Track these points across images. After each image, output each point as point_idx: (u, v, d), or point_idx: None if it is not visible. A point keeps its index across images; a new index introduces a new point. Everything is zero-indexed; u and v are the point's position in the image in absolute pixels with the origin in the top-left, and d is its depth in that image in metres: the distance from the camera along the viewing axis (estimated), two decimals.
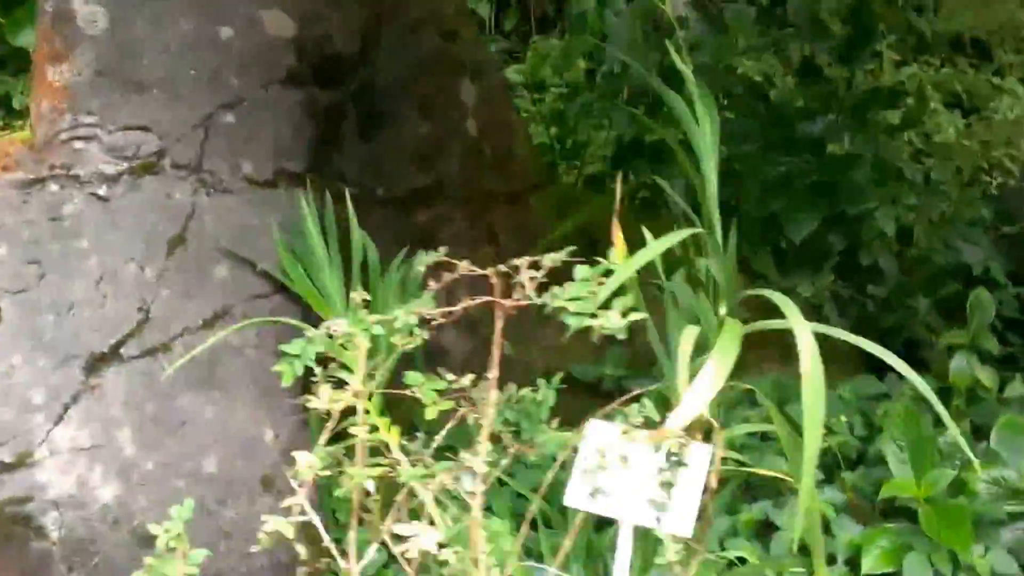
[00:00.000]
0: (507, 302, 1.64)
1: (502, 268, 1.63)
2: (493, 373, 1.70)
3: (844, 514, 2.62)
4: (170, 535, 1.70)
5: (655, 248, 1.86)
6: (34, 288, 2.41)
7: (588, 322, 1.58)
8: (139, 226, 2.51)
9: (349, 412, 2.20)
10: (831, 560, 2.54)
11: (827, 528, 2.58)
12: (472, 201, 3.30)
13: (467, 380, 1.71)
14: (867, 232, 3.98)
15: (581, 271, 1.64)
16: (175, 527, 1.71)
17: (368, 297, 1.76)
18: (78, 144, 2.56)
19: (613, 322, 1.55)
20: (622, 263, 1.90)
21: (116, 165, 2.54)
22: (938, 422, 2.29)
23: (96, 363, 2.37)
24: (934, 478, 2.52)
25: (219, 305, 2.53)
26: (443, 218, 3.21)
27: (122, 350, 2.39)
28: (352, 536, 1.79)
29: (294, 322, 2.47)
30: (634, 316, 1.59)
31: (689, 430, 1.79)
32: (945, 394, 2.84)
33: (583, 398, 2.66)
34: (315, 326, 1.78)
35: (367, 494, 1.74)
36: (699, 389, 1.68)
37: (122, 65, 2.59)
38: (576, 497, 1.85)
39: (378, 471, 1.69)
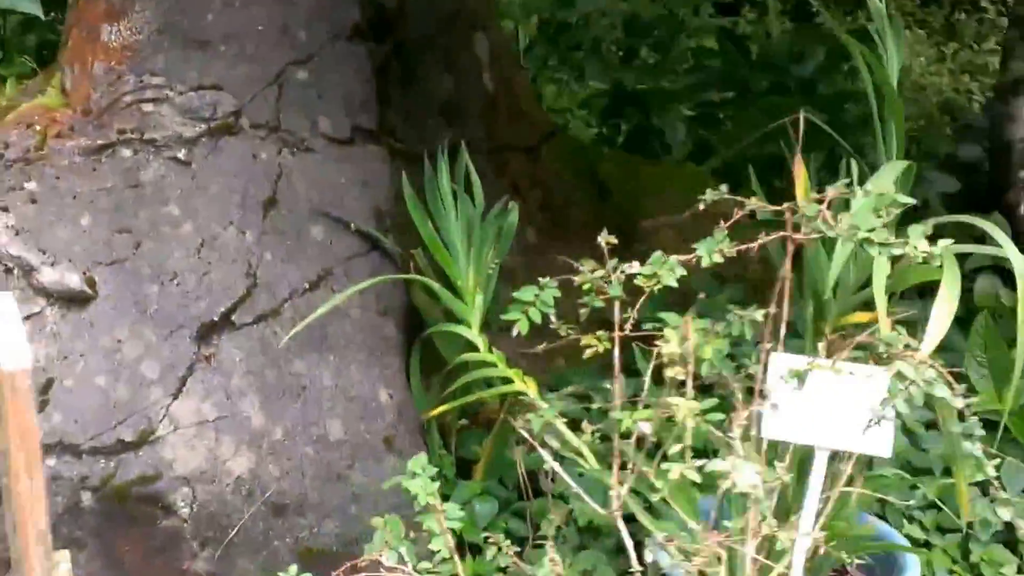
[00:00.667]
0: (798, 236, 1.63)
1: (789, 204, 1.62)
2: (784, 305, 1.68)
3: (932, 430, 2.73)
4: None
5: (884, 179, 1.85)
6: (131, 258, 2.25)
7: (902, 250, 1.58)
8: (229, 189, 2.37)
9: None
10: (927, 472, 2.65)
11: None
12: (494, 154, 3.27)
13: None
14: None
15: (862, 203, 1.64)
16: None
17: (614, 240, 1.70)
18: (147, 107, 2.41)
19: (922, 248, 1.55)
20: (803, 195, 1.94)
21: (193, 127, 2.40)
22: None
23: (207, 332, 2.24)
24: (1019, 388, 2.65)
25: (320, 267, 2.42)
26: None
27: (234, 317, 2.26)
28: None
29: (425, 279, 2.41)
30: (944, 242, 1.61)
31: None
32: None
33: None
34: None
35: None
36: (939, 318, 1.73)
37: (185, 22, 2.45)
38: (774, 429, 1.86)
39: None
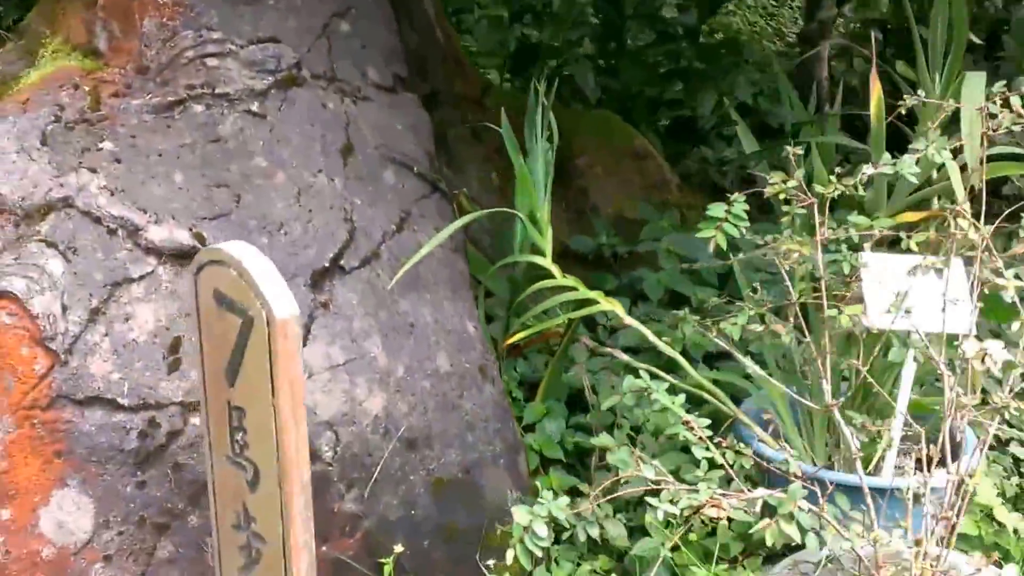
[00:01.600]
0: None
1: None
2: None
3: None
4: None
5: None
6: (234, 211, 2.23)
7: None
8: (309, 139, 2.38)
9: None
10: None
11: None
12: (456, 105, 3.41)
13: None
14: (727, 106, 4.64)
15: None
16: None
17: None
18: (212, 61, 2.37)
19: None
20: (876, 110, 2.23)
21: (262, 80, 2.39)
22: None
23: (320, 279, 2.26)
24: None
25: (399, 209, 2.48)
26: (446, 121, 3.28)
27: (342, 262, 2.29)
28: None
29: (516, 213, 2.50)
30: None
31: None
32: None
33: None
34: None
35: None
36: None
37: None
38: (875, 319, 2.15)
39: None
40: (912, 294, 2.12)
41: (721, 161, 5.00)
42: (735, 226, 2.00)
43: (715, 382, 2.51)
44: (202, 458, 2.03)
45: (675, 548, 2.39)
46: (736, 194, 2.01)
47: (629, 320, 2.48)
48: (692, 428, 1.80)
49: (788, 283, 2.22)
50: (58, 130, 2.26)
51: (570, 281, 2.52)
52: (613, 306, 2.48)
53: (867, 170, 1.98)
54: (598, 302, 2.50)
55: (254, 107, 2.36)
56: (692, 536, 2.40)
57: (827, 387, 2.01)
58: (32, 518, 1.97)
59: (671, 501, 1.65)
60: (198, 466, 2.05)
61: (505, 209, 2.56)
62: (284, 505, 1.57)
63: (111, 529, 2.01)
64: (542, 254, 2.56)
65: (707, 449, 1.77)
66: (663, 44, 4.79)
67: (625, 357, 2.57)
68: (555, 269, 2.55)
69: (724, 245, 2.00)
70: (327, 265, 2.27)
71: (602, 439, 1.95)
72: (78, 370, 2.00)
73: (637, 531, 2.45)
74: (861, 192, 2.14)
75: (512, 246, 2.81)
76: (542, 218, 2.55)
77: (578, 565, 2.44)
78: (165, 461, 2.04)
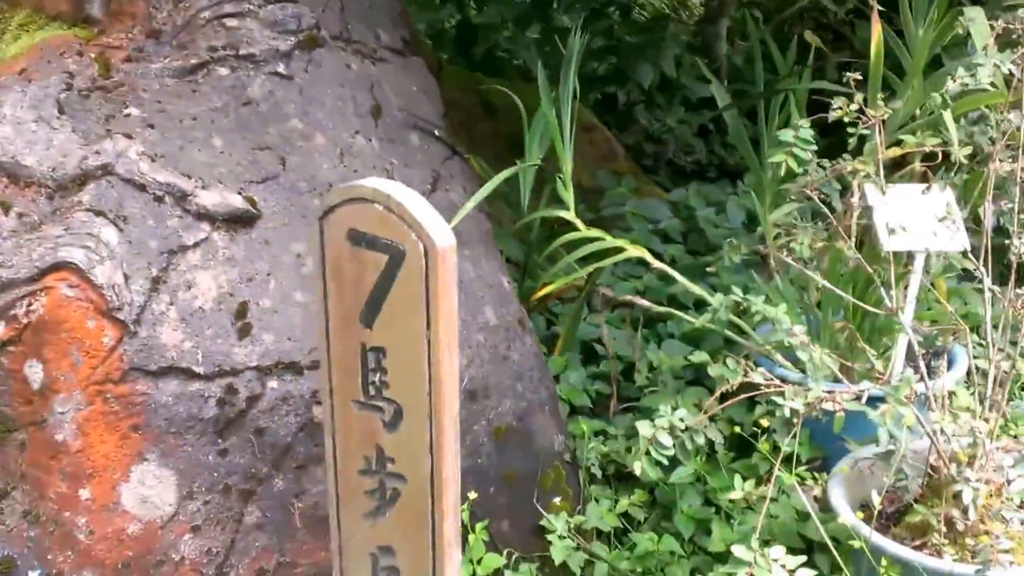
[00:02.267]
0: None
1: None
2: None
3: None
4: None
5: None
6: (281, 174, 2.18)
7: None
8: (341, 100, 2.35)
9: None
10: None
11: None
12: None
13: None
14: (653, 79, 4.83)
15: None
16: None
17: None
18: (231, 22, 2.30)
19: None
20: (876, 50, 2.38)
21: (285, 40, 2.33)
22: None
23: None
24: None
25: (430, 169, 2.47)
26: None
27: None
28: None
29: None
30: None
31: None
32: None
33: None
34: None
35: None
36: None
37: None
38: (887, 243, 2.31)
39: None
40: (914, 219, 2.29)
41: (657, 133, 5.17)
42: (803, 150, 2.10)
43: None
44: (283, 421, 2.00)
45: (700, 479, 2.50)
46: (802, 120, 2.12)
47: (657, 264, 2.55)
48: (794, 335, 1.90)
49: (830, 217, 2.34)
50: (73, 98, 2.16)
51: (595, 232, 2.58)
52: (640, 251, 2.55)
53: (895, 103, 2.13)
54: (623, 249, 2.57)
55: (280, 68, 2.30)
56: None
57: (848, 297, 2.15)
58: (113, 495, 1.88)
59: (787, 397, 1.73)
60: (280, 429, 2.00)
61: (536, 163, 2.59)
62: (434, 439, 1.56)
63: (196, 499, 1.94)
64: (566, 209, 2.60)
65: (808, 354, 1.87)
66: (596, 21, 4.90)
67: (646, 303, 2.66)
68: (579, 222, 2.60)
69: (796, 168, 2.10)
70: None
71: (717, 369, 1.99)
72: (148, 341, 1.92)
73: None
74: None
75: (520, 209, 2.85)
76: (566, 173, 2.59)
77: (615, 501, 2.50)
78: (246, 427, 1.98)
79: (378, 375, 1.61)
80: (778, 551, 1.67)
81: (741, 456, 2.53)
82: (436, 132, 2.56)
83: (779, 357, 2.53)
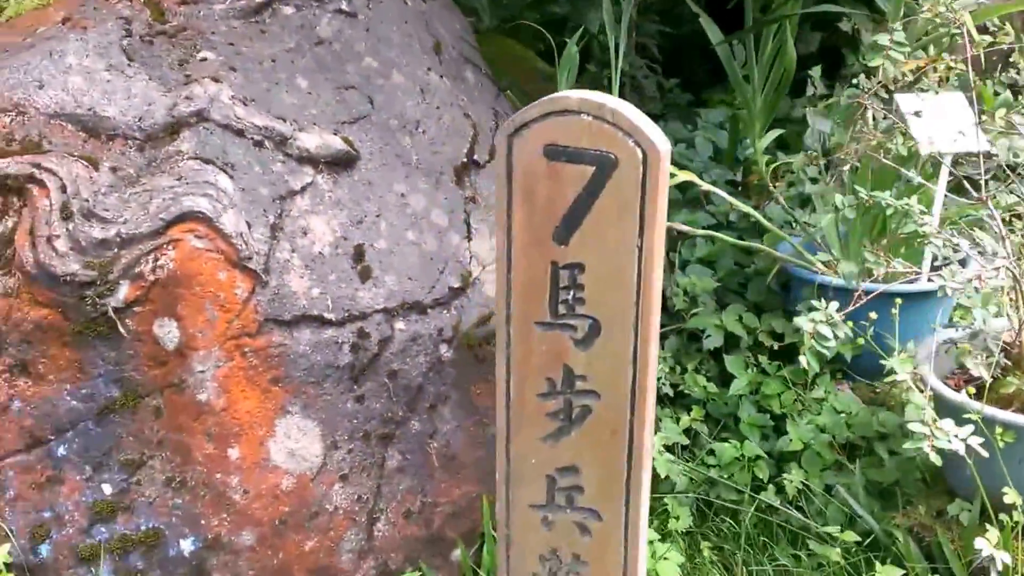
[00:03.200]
0: None
1: None
2: None
3: None
4: None
5: None
6: (371, 113, 2.11)
7: None
8: (407, 36, 2.28)
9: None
10: None
11: None
12: None
13: None
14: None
15: None
16: None
17: None
18: None
19: None
20: None
21: None
22: None
23: (461, 174, 2.19)
24: None
25: (488, 106, 2.43)
26: None
27: (476, 157, 2.23)
28: None
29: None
30: None
31: None
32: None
33: None
34: None
35: None
36: None
37: None
38: (924, 147, 2.44)
39: None
40: (939, 123, 2.43)
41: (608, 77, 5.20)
42: (899, 53, 2.19)
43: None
44: (414, 362, 1.96)
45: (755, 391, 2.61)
46: (895, 22, 2.20)
47: (705, 185, 2.61)
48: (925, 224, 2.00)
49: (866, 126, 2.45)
50: (136, 44, 2.03)
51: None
52: (689, 176, 2.60)
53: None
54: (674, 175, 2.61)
55: (344, 6, 2.22)
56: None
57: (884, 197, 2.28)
58: (262, 452, 1.81)
59: None
60: (412, 371, 1.96)
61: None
62: (639, 348, 1.57)
63: (340, 448, 1.88)
64: None
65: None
66: None
67: (684, 227, 2.72)
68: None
69: (891, 73, 2.19)
70: (465, 161, 2.21)
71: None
72: (279, 290, 1.84)
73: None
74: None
75: None
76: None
77: (677, 420, 2.58)
78: (379, 371, 1.93)
79: (571, 292, 1.60)
80: (947, 423, 1.77)
81: (786, 366, 2.64)
82: (483, 69, 2.53)
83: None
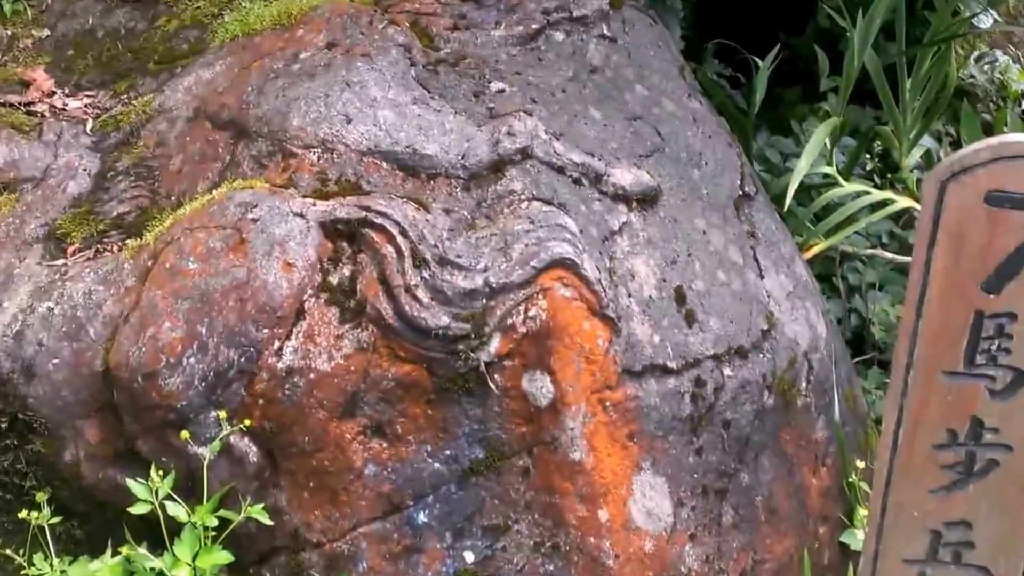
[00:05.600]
0: None
1: None
2: None
3: None
4: None
5: None
6: (661, 146, 2.01)
7: None
8: (663, 61, 2.20)
9: None
10: None
11: None
12: None
13: None
14: None
15: None
16: None
17: None
18: None
19: None
20: None
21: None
22: None
23: (739, 207, 2.11)
24: None
25: (718, 127, 2.35)
26: None
27: (746, 188, 2.15)
28: None
29: None
30: None
31: None
32: None
33: None
34: None
35: None
36: None
37: None
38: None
39: None
40: None
41: None
42: None
43: None
44: (743, 411, 1.88)
45: None
46: None
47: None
48: None
49: None
50: (424, 74, 1.89)
51: (858, 186, 2.58)
52: (909, 202, 2.58)
53: None
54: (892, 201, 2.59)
55: (604, 30, 2.12)
56: None
57: None
58: (625, 512, 1.69)
59: None
60: (741, 419, 1.87)
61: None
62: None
63: (685, 506, 1.78)
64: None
65: None
66: None
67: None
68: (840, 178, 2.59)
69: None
70: (741, 193, 2.13)
71: None
72: (629, 338, 1.73)
73: None
74: None
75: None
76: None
77: None
78: (714, 421, 1.83)
79: (995, 342, 1.54)
80: None
81: None
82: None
83: None
